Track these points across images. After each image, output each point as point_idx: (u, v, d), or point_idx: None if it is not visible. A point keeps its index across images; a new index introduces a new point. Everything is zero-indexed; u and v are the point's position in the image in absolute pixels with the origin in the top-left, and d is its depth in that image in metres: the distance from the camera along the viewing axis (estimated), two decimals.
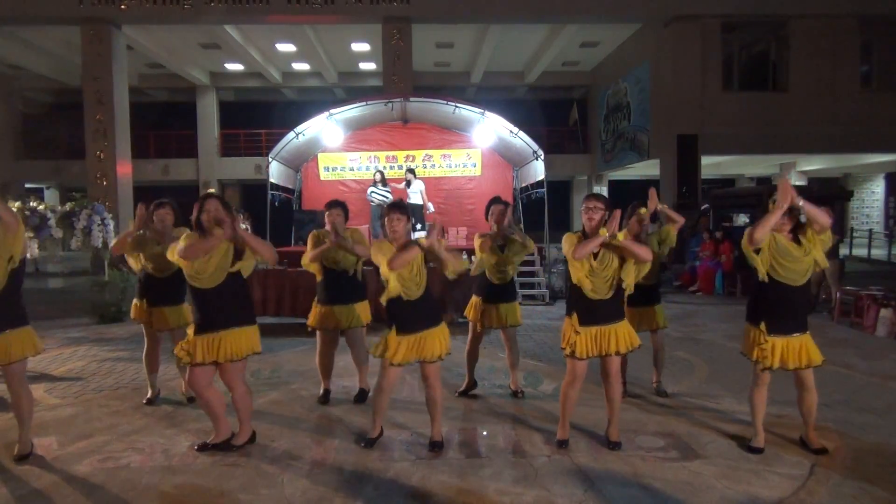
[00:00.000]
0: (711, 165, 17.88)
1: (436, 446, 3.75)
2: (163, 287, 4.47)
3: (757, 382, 3.68)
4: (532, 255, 10.40)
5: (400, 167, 12.36)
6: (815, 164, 19.15)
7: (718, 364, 5.84)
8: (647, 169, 18.51)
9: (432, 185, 12.54)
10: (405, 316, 3.64)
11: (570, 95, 23.08)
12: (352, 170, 12.75)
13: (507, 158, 12.44)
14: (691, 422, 4.21)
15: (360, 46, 18.44)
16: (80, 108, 15.12)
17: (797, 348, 3.56)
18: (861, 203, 22.24)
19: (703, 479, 3.33)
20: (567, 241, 3.65)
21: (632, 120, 17.93)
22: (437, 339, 3.70)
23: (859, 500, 3.09)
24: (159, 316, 4.53)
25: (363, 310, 4.65)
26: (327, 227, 4.53)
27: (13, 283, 3.51)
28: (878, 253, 16.15)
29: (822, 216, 3.39)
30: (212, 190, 20.06)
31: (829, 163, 18.96)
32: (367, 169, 12.62)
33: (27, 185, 22.38)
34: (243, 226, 3.99)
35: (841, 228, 9.65)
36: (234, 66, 20.87)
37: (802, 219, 3.51)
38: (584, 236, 3.66)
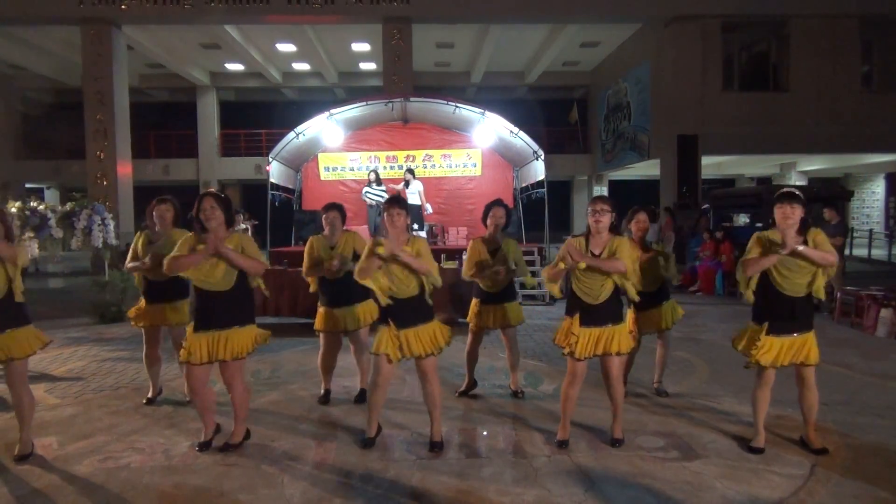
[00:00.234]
0: (711, 165, 17.90)
1: (435, 447, 3.75)
2: (162, 285, 4.47)
3: (760, 382, 3.67)
4: (533, 255, 10.43)
5: (400, 167, 12.37)
6: (815, 164, 19.16)
7: (719, 364, 5.84)
8: (647, 169, 18.52)
9: (433, 185, 12.54)
10: (395, 312, 3.66)
11: (570, 95, 23.09)
12: (352, 170, 12.75)
13: (508, 158, 12.44)
14: (691, 422, 4.21)
15: (360, 46, 18.45)
16: (81, 108, 15.14)
17: (794, 346, 3.56)
18: (861, 203, 22.25)
19: (703, 479, 3.33)
20: (557, 258, 3.72)
21: (632, 120, 17.94)
22: (427, 334, 3.69)
23: (859, 500, 3.08)
24: (159, 312, 4.54)
25: (366, 310, 4.62)
26: (325, 229, 4.54)
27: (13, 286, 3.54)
28: (879, 253, 16.15)
29: (827, 258, 3.40)
30: (211, 189, 19.98)
31: (829, 163, 18.97)
32: (368, 169, 12.62)
33: (27, 185, 22.39)
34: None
35: (844, 228, 9.63)
36: (235, 66, 20.89)
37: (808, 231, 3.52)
38: (588, 237, 3.71)
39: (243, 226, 10.62)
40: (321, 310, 4.62)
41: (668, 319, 4.68)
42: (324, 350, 4.69)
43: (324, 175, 12.89)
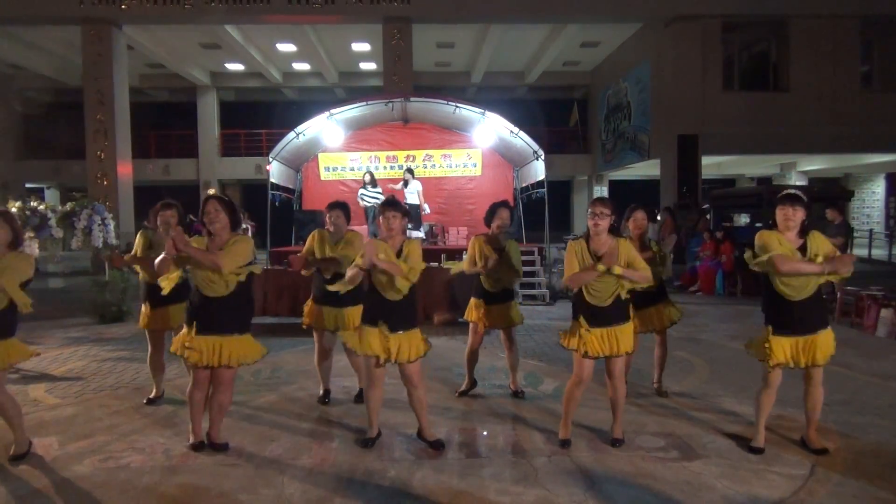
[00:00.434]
0: (712, 165, 17.91)
1: (436, 445, 3.76)
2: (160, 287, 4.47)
3: (766, 383, 3.66)
4: (532, 254, 10.43)
5: (400, 167, 12.37)
6: (815, 164, 19.16)
7: (719, 364, 5.84)
8: (647, 169, 18.52)
9: (433, 185, 12.55)
10: (385, 314, 3.66)
11: (570, 95, 23.09)
12: (352, 170, 12.75)
13: (508, 158, 12.44)
14: (691, 422, 4.21)
15: (360, 46, 18.45)
16: (81, 108, 15.15)
17: (808, 346, 3.53)
18: (861, 203, 22.25)
19: (703, 479, 3.33)
20: (567, 264, 3.71)
21: (632, 120, 17.94)
22: (414, 340, 3.70)
23: (859, 500, 3.08)
24: (162, 316, 4.55)
25: (354, 313, 4.60)
26: (328, 227, 4.53)
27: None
28: (879, 253, 16.15)
29: (847, 268, 3.39)
30: (212, 190, 20.11)
31: (829, 163, 18.97)
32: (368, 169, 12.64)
33: (27, 185, 22.40)
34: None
35: (847, 228, 9.62)
36: (235, 66, 20.89)
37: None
38: (588, 240, 3.70)
39: (244, 226, 10.62)
40: (310, 304, 4.61)
41: (665, 319, 4.68)
42: (318, 349, 4.69)
43: (324, 175, 12.89)
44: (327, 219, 4.50)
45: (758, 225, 12.43)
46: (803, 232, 3.52)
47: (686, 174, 15.10)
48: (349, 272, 3.68)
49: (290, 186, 12.33)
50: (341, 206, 4.54)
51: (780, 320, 3.55)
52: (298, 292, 7.55)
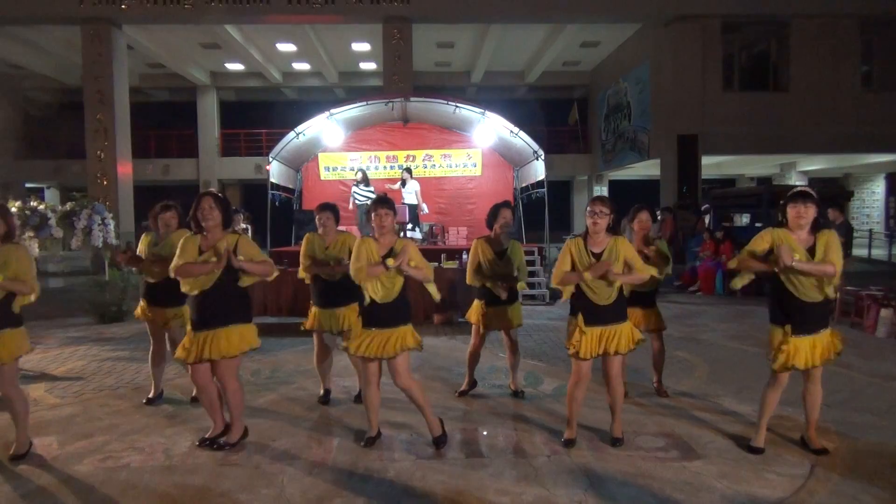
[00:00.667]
0: (712, 165, 17.90)
1: (439, 442, 3.77)
2: (161, 288, 4.48)
3: (773, 383, 3.64)
4: (533, 254, 10.42)
5: (400, 167, 12.36)
6: (815, 164, 19.16)
7: (718, 364, 5.84)
8: (647, 169, 18.53)
9: (433, 185, 12.55)
10: (375, 314, 3.67)
11: (570, 95, 23.08)
12: (352, 170, 12.72)
13: (508, 158, 12.44)
14: (691, 422, 4.21)
15: (360, 46, 18.45)
16: (81, 107, 15.14)
17: (820, 345, 3.53)
18: (861, 203, 22.25)
19: (703, 479, 3.33)
20: (559, 262, 3.72)
21: (632, 120, 17.94)
22: (399, 336, 3.67)
23: (859, 500, 3.08)
24: (160, 314, 4.58)
25: (356, 311, 4.61)
26: (319, 229, 4.55)
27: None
28: (879, 253, 16.14)
29: (825, 270, 3.37)
30: (210, 189, 19.96)
31: (829, 163, 18.97)
32: (368, 169, 12.62)
33: (28, 185, 22.39)
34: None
35: (848, 228, 9.61)
36: (235, 66, 20.89)
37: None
38: (587, 238, 3.71)
39: (244, 225, 10.62)
40: (313, 309, 4.63)
41: (651, 322, 4.70)
42: (317, 350, 4.70)
43: (324, 175, 12.89)
44: (317, 220, 4.53)
45: (758, 225, 12.43)
46: (815, 229, 3.49)
47: (686, 174, 15.10)
48: (376, 269, 3.58)
49: (290, 186, 12.34)
50: (330, 208, 4.56)
51: (793, 321, 3.52)
52: (298, 292, 7.56)
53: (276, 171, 11.30)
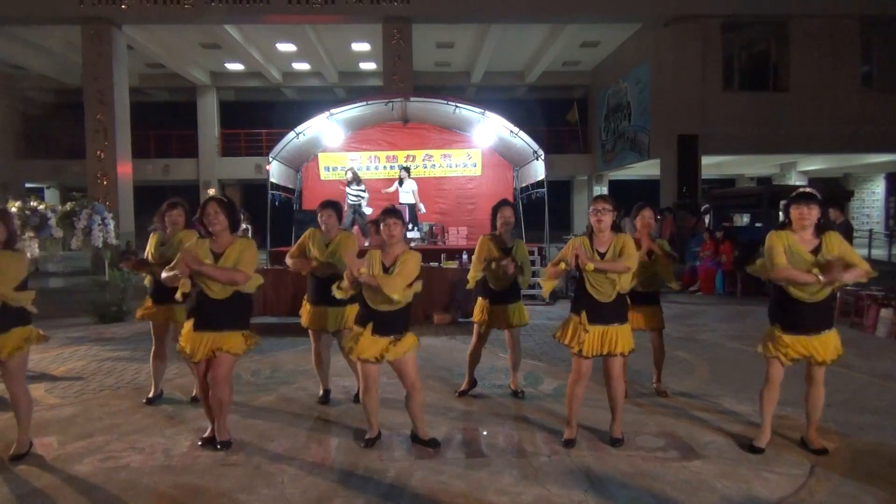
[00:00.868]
0: (711, 165, 17.90)
1: (432, 443, 3.77)
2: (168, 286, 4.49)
3: (768, 380, 3.65)
4: (533, 254, 10.42)
5: (400, 167, 12.37)
6: (815, 164, 19.16)
7: (718, 364, 5.84)
8: (647, 169, 18.52)
9: (433, 184, 12.54)
10: (375, 321, 3.66)
11: (570, 95, 23.09)
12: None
13: (508, 158, 12.44)
14: (691, 422, 4.21)
15: (360, 46, 18.45)
16: (81, 107, 15.15)
17: (814, 345, 3.53)
18: (861, 203, 22.25)
19: (703, 479, 3.33)
20: (560, 255, 3.72)
21: (632, 120, 17.94)
22: (398, 343, 3.67)
23: (859, 500, 3.08)
24: (166, 311, 4.59)
25: (351, 311, 4.61)
26: (321, 227, 4.55)
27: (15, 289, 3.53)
28: (879, 253, 16.13)
29: (858, 275, 3.39)
30: (211, 191, 20.00)
31: (829, 163, 18.97)
32: (368, 169, 12.63)
33: (27, 185, 22.40)
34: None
35: (848, 228, 9.60)
36: (235, 66, 20.89)
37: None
38: (591, 236, 3.72)
39: (244, 226, 10.63)
40: (308, 306, 4.63)
41: (652, 322, 4.69)
42: (314, 349, 4.69)
43: (324, 175, 12.89)
44: (319, 217, 4.53)
45: (758, 225, 12.43)
46: (819, 231, 3.49)
47: (686, 174, 15.10)
48: (346, 281, 3.64)
49: (290, 186, 12.33)
50: (333, 206, 4.57)
51: (789, 320, 3.53)
52: (298, 292, 7.54)
53: (276, 171, 11.29)
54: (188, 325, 3.71)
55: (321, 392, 4.77)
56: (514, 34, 17.30)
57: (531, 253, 10.39)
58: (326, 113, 10.80)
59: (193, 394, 4.70)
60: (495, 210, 4.71)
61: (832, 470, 3.42)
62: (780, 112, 15.07)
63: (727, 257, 10.86)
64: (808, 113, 14.97)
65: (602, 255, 3.64)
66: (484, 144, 12.14)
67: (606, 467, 3.48)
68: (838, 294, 8.08)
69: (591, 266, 3.54)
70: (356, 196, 10.84)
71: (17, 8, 14.18)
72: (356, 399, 4.71)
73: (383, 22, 14.89)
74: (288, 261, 4.61)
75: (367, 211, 11.14)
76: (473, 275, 4.67)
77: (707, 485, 3.25)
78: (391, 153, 12.75)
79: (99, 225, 8.08)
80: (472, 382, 4.93)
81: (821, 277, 3.33)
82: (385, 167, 12.66)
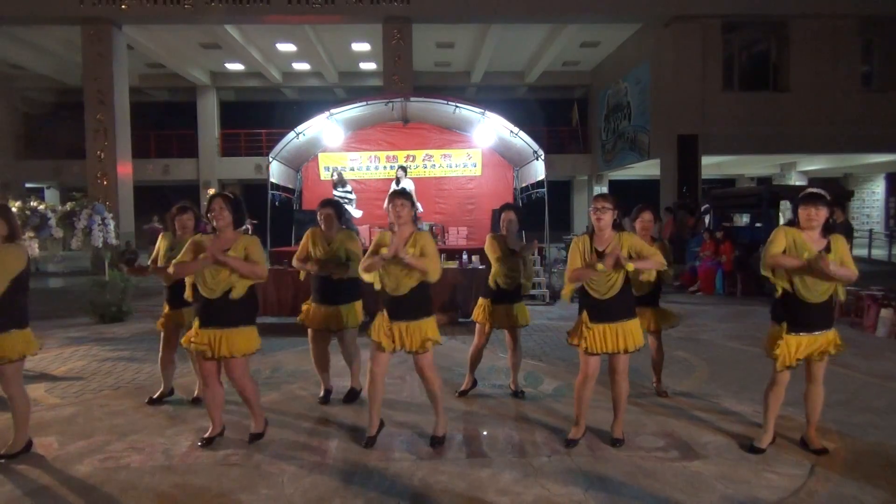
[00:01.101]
0: (711, 165, 17.90)
1: (436, 442, 3.78)
2: (181, 290, 4.50)
3: (775, 381, 3.64)
4: (533, 254, 10.41)
5: (398, 167, 12.37)
6: (815, 164, 19.16)
7: (718, 364, 5.84)
8: (647, 169, 18.52)
9: (433, 184, 12.54)
10: (390, 305, 3.71)
11: (570, 95, 23.10)
12: (352, 170, 12.74)
13: (508, 158, 12.43)
14: (691, 422, 4.21)
15: (360, 46, 18.45)
16: (81, 108, 15.15)
17: (817, 344, 3.54)
18: (861, 203, 22.25)
19: (703, 479, 3.33)
20: (570, 261, 3.73)
21: (632, 120, 17.94)
22: (419, 331, 3.70)
23: (859, 500, 3.08)
24: (181, 316, 4.59)
25: (354, 310, 4.63)
26: (322, 225, 4.55)
27: (14, 287, 3.53)
28: (879, 253, 16.15)
29: (847, 275, 3.38)
30: (211, 191, 20.01)
31: (829, 163, 18.97)
32: (368, 169, 12.63)
33: (27, 185, 22.40)
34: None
35: (848, 228, 9.60)
36: (235, 66, 20.89)
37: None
38: (592, 235, 3.73)
39: (245, 226, 10.60)
40: (310, 305, 4.64)
41: (654, 322, 4.69)
42: (313, 348, 4.69)
43: (324, 175, 12.88)
44: (318, 216, 4.53)
45: (758, 225, 12.42)
46: (827, 231, 3.49)
47: (686, 174, 15.10)
48: (369, 261, 3.62)
49: (290, 186, 12.33)
50: (332, 204, 4.58)
51: (794, 319, 3.53)
52: (298, 292, 7.56)
53: (276, 171, 11.29)
54: (196, 324, 3.74)
55: (322, 391, 4.77)
56: (514, 34, 17.30)
57: (531, 253, 10.39)
58: (326, 113, 10.79)
59: (195, 394, 4.70)
60: (498, 214, 4.78)
61: (832, 470, 3.42)
62: (780, 112, 15.07)
63: (727, 257, 10.86)
64: (808, 113, 14.97)
65: (601, 254, 3.64)
66: (484, 144, 12.14)
67: (606, 467, 3.48)
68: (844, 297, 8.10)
69: (631, 266, 3.53)
70: (342, 198, 10.81)
71: (17, 8, 14.18)
72: (346, 399, 4.72)
73: (383, 22, 14.89)
74: (296, 264, 4.61)
75: (357, 214, 11.10)
76: (503, 273, 4.64)
77: (707, 485, 3.26)
78: (391, 153, 12.75)
79: (99, 225, 8.08)
80: (473, 382, 4.94)
81: (809, 260, 3.35)
82: (385, 167, 12.65)
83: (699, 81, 14.91)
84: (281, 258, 9.00)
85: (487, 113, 10.64)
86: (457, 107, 10.80)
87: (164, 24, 15.52)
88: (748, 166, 21.13)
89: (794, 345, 3.52)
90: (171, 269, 3.64)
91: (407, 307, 3.69)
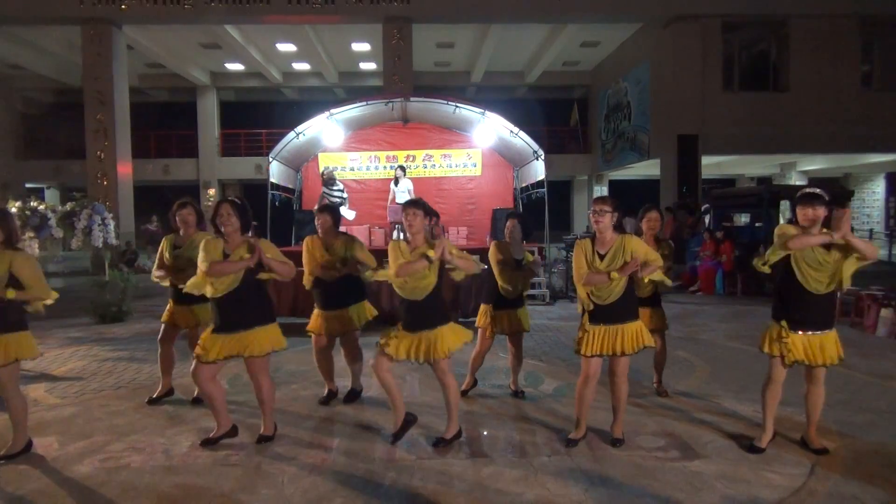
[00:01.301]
0: (711, 165, 17.91)
1: (440, 443, 3.78)
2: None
3: (771, 378, 3.64)
4: (533, 254, 10.40)
5: (397, 166, 12.37)
6: (815, 164, 19.16)
7: (718, 364, 5.84)
8: (647, 169, 18.52)
9: (433, 184, 12.54)
10: (407, 315, 3.72)
11: (570, 95, 23.09)
12: (352, 170, 12.75)
13: (508, 158, 12.44)
14: (691, 422, 4.21)
15: (360, 46, 18.46)
16: (81, 108, 15.15)
17: (818, 345, 3.53)
18: (861, 203, 22.24)
19: (703, 478, 3.33)
20: (576, 265, 3.72)
21: (632, 120, 17.94)
22: (439, 338, 3.70)
23: (859, 500, 3.08)
24: (187, 314, 4.58)
25: (360, 311, 4.64)
26: (318, 231, 4.55)
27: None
28: (879, 253, 16.13)
29: (869, 250, 3.36)
30: (211, 191, 20.00)
31: (829, 163, 18.97)
32: (368, 169, 12.63)
33: (27, 185, 22.41)
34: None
35: (850, 229, 9.58)
36: (235, 66, 20.90)
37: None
38: (594, 238, 3.73)
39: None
40: (315, 311, 4.65)
41: (657, 322, 4.69)
42: (316, 351, 4.70)
43: None
44: (316, 222, 4.54)
45: (758, 225, 12.42)
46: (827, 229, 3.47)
47: (686, 174, 15.10)
48: (417, 265, 3.61)
49: (290, 186, 12.33)
50: (328, 210, 4.58)
51: (794, 315, 3.52)
52: (298, 293, 7.54)
53: (276, 171, 11.29)
54: (208, 331, 3.74)
55: (325, 392, 4.77)
56: (514, 34, 17.30)
57: (531, 253, 10.38)
58: (326, 113, 10.80)
59: (195, 394, 4.70)
60: (503, 216, 4.79)
61: (832, 470, 3.42)
62: (780, 112, 15.07)
63: (727, 257, 10.86)
64: (808, 113, 14.97)
65: (602, 257, 3.64)
66: (484, 144, 12.14)
67: (606, 467, 3.48)
68: (839, 294, 8.10)
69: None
70: (331, 196, 10.78)
71: (17, 8, 14.19)
72: (346, 399, 4.72)
73: (383, 22, 14.89)
74: (313, 274, 4.58)
75: (350, 215, 11.08)
76: (503, 283, 4.62)
77: (707, 485, 3.25)
78: (391, 153, 12.75)
79: (99, 225, 8.05)
80: (473, 382, 4.94)
81: (834, 235, 3.32)
82: (385, 167, 12.65)
83: (699, 81, 14.92)
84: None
85: (487, 113, 10.64)
86: (457, 107, 10.80)
87: (164, 24, 15.52)
88: (748, 166, 21.13)
89: (791, 342, 3.52)
90: (205, 270, 3.59)
91: (423, 315, 3.70)
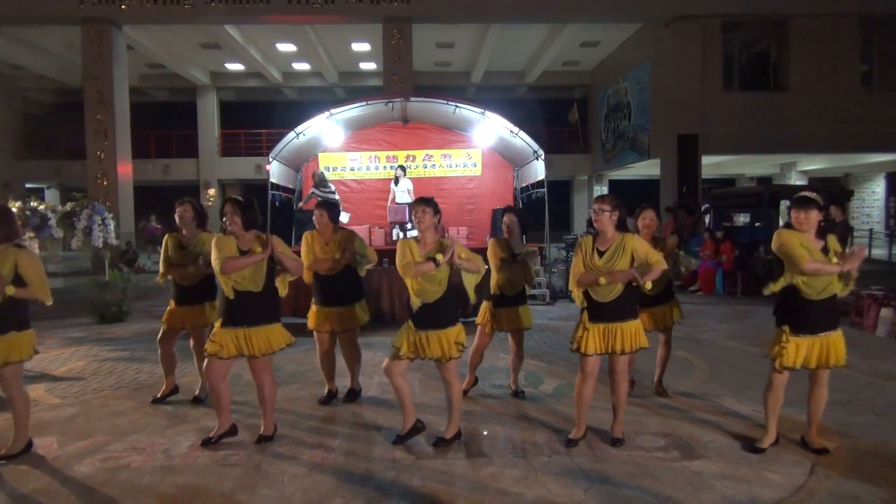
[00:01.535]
0: (711, 165, 17.91)
1: (441, 443, 3.78)
2: (192, 289, 4.52)
3: (772, 384, 3.64)
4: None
5: (397, 166, 12.37)
6: (815, 164, 19.16)
7: (719, 364, 5.84)
8: (647, 169, 18.52)
9: (433, 184, 12.53)
10: (418, 314, 3.72)
11: (570, 95, 23.09)
12: (352, 170, 12.74)
13: (508, 158, 12.43)
14: (691, 421, 4.21)
15: (360, 46, 18.46)
16: (81, 108, 15.14)
17: (821, 347, 3.53)
18: (861, 203, 22.24)
19: (704, 478, 3.33)
20: (574, 263, 3.75)
21: (632, 120, 17.94)
22: (447, 339, 3.70)
23: (859, 500, 3.08)
24: (188, 314, 4.57)
25: (356, 311, 4.64)
26: (317, 227, 4.56)
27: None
28: (879, 253, 16.14)
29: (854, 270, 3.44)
30: (212, 191, 20.00)
31: (829, 163, 18.97)
32: (368, 169, 12.62)
33: (27, 185, 22.41)
34: None
35: (847, 227, 9.61)
36: (235, 66, 20.90)
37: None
38: (596, 236, 3.74)
39: None
40: (313, 308, 4.64)
41: (669, 318, 4.69)
42: (319, 350, 4.70)
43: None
44: (314, 219, 4.55)
45: (758, 225, 12.43)
46: (822, 233, 3.49)
47: (686, 174, 15.10)
48: (423, 266, 3.62)
49: (290, 186, 12.32)
50: (324, 206, 4.60)
51: (797, 320, 3.52)
52: (298, 292, 7.53)
53: (276, 171, 11.28)
54: (218, 325, 3.75)
55: (326, 392, 4.77)
56: (514, 34, 17.30)
57: (533, 262, 10.38)
58: (326, 113, 10.78)
59: (196, 394, 4.71)
60: (501, 214, 4.78)
61: (832, 470, 3.42)
62: (780, 112, 15.07)
63: (727, 257, 10.86)
64: (808, 113, 14.96)
65: (602, 254, 3.65)
66: (484, 144, 12.13)
67: (606, 467, 3.48)
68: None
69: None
70: (324, 198, 10.77)
71: (17, 8, 14.18)
72: (346, 399, 4.73)
73: (383, 22, 14.89)
74: (314, 269, 4.58)
75: (344, 218, 11.05)
76: (497, 280, 4.63)
77: (707, 485, 3.26)
78: (391, 153, 12.74)
79: (99, 225, 8.05)
80: (474, 381, 4.95)
81: (844, 267, 3.38)
82: (385, 167, 12.64)
83: (699, 81, 14.91)
84: None
85: (487, 113, 10.63)
86: (457, 107, 10.80)
87: (164, 24, 15.52)
88: (748, 166, 21.13)
89: (794, 347, 3.52)
90: (221, 267, 3.59)
91: (433, 316, 3.70)
